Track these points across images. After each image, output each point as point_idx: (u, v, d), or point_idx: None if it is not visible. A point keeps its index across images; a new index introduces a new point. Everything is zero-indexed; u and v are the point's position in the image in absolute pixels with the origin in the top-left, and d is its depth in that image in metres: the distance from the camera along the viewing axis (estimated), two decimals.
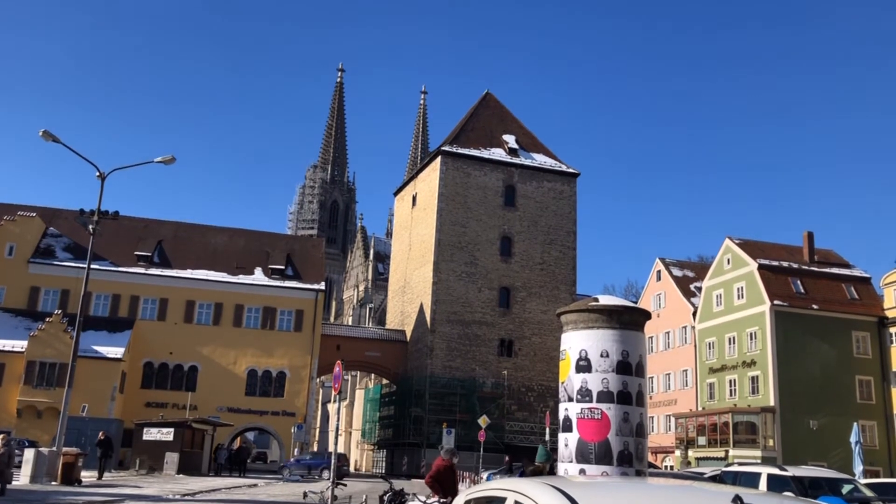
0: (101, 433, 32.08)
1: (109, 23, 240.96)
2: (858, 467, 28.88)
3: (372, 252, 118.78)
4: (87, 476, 29.02)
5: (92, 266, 31.11)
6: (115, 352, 48.87)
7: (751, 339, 51.67)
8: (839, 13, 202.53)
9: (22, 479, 25.52)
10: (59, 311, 48.61)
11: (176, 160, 29.11)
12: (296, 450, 52.41)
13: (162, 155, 29.04)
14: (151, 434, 40.05)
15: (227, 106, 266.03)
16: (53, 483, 25.14)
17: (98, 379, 46.75)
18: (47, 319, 47.86)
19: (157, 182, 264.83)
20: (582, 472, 12.54)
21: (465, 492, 4.38)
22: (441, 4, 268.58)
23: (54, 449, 26.36)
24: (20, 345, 47.14)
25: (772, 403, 49.02)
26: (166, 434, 39.84)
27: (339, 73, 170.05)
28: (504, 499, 3.63)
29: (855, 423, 32.19)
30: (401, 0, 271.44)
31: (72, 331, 43.18)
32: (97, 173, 28.47)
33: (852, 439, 30.06)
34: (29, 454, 25.99)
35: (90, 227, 28.75)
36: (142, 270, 53.99)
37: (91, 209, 29.10)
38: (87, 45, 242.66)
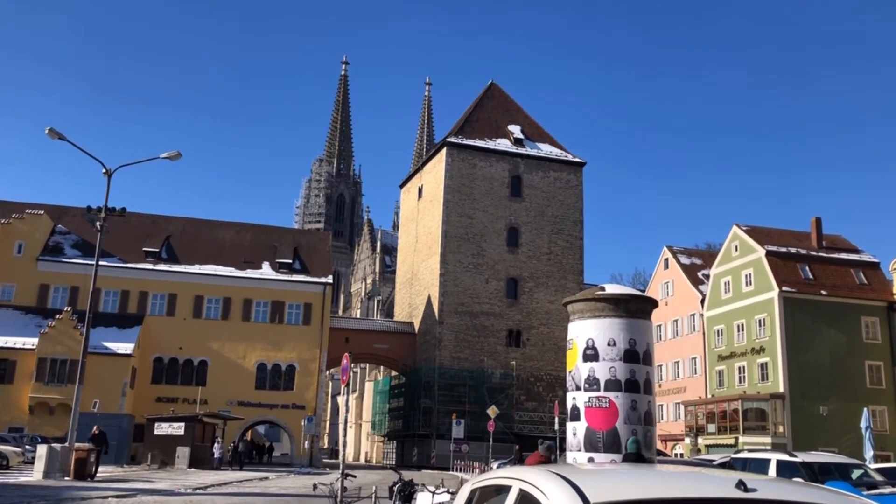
0: (94, 427, 32.07)
1: (114, 19, 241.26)
2: (869, 452, 28.84)
3: (379, 245, 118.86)
4: None
5: (100, 263, 31.23)
6: (124, 347, 49.13)
7: (759, 325, 51.55)
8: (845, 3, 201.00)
9: (35, 474, 25.72)
10: (69, 308, 48.83)
11: (182, 156, 29.16)
12: (306, 443, 52.65)
13: (168, 151, 29.09)
14: (162, 429, 40.30)
15: (232, 101, 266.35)
16: (66, 478, 25.30)
17: (108, 375, 47.01)
18: (57, 316, 48.10)
19: (163, 178, 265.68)
20: (591, 460, 12.56)
21: (472, 480, 4.40)
22: None
23: (67, 445, 26.52)
24: (31, 342, 47.42)
25: (781, 390, 48.93)
26: (177, 429, 40.08)
27: (344, 66, 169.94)
28: (509, 487, 3.65)
29: (865, 409, 32.13)
30: None
31: (82, 327, 43.37)
32: (103, 170, 28.54)
33: (863, 424, 30.01)
34: (42, 450, 26.16)
35: (98, 223, 28.83)
36: (150, 266, 54.17)
37: (98, 206, 29.17)
38: (92, 43, 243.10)
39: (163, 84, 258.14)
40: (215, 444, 41.64)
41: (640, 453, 11.69)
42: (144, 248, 54.94)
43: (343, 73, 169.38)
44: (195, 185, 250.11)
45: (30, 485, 23.13)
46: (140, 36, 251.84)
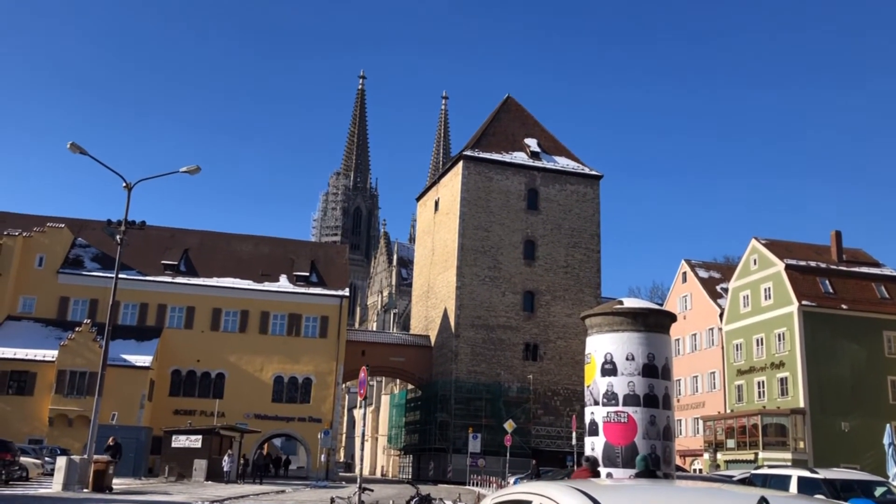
0: (110, 439, 32.02)
1: (134, 35, 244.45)
2: (892, 470, 28.33)
3: (395, 257, 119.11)
4: None
5: (120, 275, 31.49)
6: (143, 360, 49.40)
7: (779, 340, 51.05)
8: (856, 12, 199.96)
9: (54, 486, 25.87)
10: (89, 321, 49.22)
11: (201, 170, 29.39)
12: (322, 456, 52.62)
13: (187, 165, 29.33)
14: (180, 441, 40.39)
15: (250, 115, 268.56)
16: (85, 490, 25.44)
17: (127, 387, 47.25)
18: (77, 329, 48.48)
19: (182, 192, 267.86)
20: (609, 475, 12.47)
21: (491, 496, 4.39)
22: (460, 10, 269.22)
23: (85, 457, 26.66)
24: (51, 354, 47.81)
25: (801, 405, 48.36)
26: (194, 441, 40.15)
27: (361, 80, 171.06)
28: (529, 502, 3.64)
29: (888, 425, 31.57)
30: (421, 6, 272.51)
31: (101, 340, 43.69)
32: (124, 184, 28.83)
33: (885, 441, 29.51)
34: (61, 462, 26.32)
35: (117, 237, 29.10)
36: (169, 279, 54.54)
37: (118, 219, 29.46)
38: (113, 60, 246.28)
39: (182, 99, 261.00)
40: (225, 457, 40.15)
41: (651, 470, 11.61)
42: (163, 261, 55.34)
43: (360, 87, 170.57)
44: (213, 198, 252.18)
45: (49, 496, 23.28)
46: (159, 52, 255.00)
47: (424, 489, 14.39)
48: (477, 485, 44.92)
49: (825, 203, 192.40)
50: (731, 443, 51.83)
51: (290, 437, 58.63)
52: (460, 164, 63.37)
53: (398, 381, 76.45)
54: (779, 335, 51.10)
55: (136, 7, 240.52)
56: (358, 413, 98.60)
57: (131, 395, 47.59)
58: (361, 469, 16.24)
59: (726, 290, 57.80)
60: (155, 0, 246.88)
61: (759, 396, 52.13)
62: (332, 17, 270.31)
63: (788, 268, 51.64)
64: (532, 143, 66.50)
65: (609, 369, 12.83)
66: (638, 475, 11.64)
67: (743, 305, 54.72)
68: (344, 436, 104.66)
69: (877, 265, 56.22)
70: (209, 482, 37.50)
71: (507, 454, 46.45)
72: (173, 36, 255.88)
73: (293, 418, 54.04)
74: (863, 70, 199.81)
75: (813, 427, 47.91)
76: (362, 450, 17.45)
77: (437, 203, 68.20)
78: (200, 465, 39.25)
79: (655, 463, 12.38)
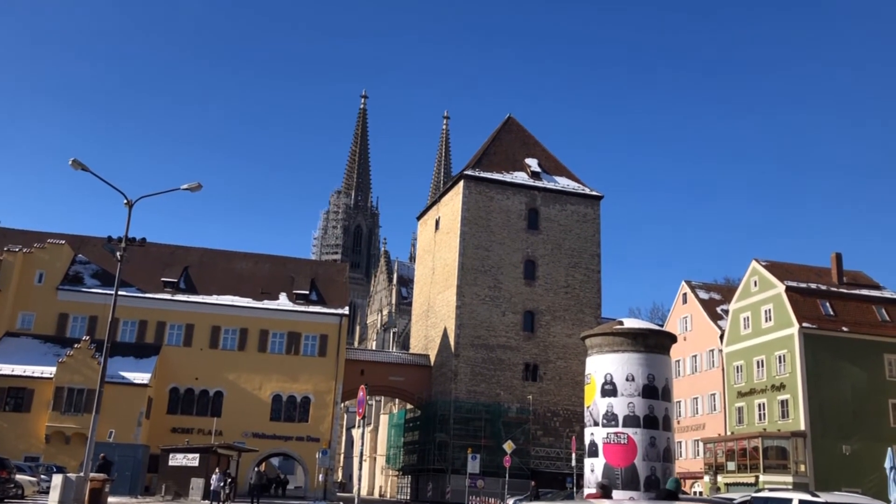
0: (100, 455, 31.67)
1: (138, 56, 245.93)
2: (893, 494, 28.15)
3: (395, 276, 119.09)
4: None
5: (119, 292, 31.41)
6: (141, 377, 49.20)
7: (779, 362, 50.90)
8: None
9: None
10: (87, 338, 49.10)
11: (202, 187, 29.39)
12: (320, 476, 52.24)
13: (188, 182, 29.34)
14: (177, 460, 40.12)
15: (252, 133, 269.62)
16: None
17: (125, 404, 47.04)
18: (75, 346, 48.33)
19: (183, 209, 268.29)
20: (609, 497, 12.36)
21: None
22: (462, 31, 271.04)
23: (82, 475, 26.45)
24: (49, 371, 47.64)
25: (802, 428, 48.12)
26: (192, 460, 39.87)
27: (363, 100, 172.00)
28: None
29: (889, 448, 31.40)
30: (422, 26, 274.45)
31: (99, 357, 43.56)
32: (125, 201, 28.81)
33: (887, 465, 29.31)
34: (56, 480, 26.10)
35: (118, 253, 29.04)
36: (168, 296, 54.46)
37: (119, 236, 29.42)
38: (116, 80, 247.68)
39: (184, 117, 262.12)
40: (213, 476, 36.86)
41: (675, 494, 11.54)
42: (163, 279, 55.30)
43: (362, 106, 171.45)
44: (214, 216, 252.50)
45: None
46: (162, 72, 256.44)
47: None
48: None
49: (826, 225, 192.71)
50: (731, 465, 51.50)
51: (287, 456, 58.27)
52: (461, 183, 63.52)
53: (397, 400, 76.10)
54: (779, 357, 50.95)
55: (141, 29, 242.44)
56: (356, 433, 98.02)
57: (129, 413, 47.34)
58: (359, 489, 16.13)
59: (727, 312, 57.72)
60: (159, 23, 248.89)
61: (760, 419, 51.87)
62: (335, 38, 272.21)
63: (789, 290, 51.60)
64: (533, 163, 66.71)
65: (609, 390, 12.77)
66: (659, 493, 11.58)
67: (743, 327, 54.61)
68: (342, 455, 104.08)
69: (877, 287, 56.18)
70: (206, 501, 37.21)
71: (507, 475, 46.16)
72: (176, 56, 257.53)
73: (291, 437, 53.74)
74: (866, 92, 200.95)
75: (814, 450, 47.63)
76: (360, 470, 17.35)
77: (437, 222, 68.28)
78: (197, 483, 38.94)
79: (655, 485, 12.28)
